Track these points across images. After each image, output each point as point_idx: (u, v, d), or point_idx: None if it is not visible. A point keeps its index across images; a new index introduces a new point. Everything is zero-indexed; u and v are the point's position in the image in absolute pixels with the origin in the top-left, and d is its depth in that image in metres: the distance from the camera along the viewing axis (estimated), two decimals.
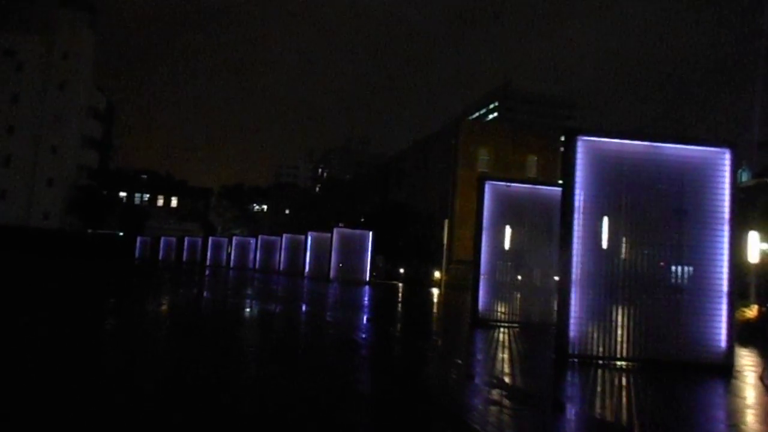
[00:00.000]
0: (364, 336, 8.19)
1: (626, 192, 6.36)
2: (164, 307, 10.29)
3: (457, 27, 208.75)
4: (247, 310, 10.75)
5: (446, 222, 24.22)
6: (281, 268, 33.06)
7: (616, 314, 6.32)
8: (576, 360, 6.12)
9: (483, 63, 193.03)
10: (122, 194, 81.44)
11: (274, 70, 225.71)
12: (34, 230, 46.72)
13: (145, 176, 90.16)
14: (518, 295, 10.47)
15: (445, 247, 23.76)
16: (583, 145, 6.29)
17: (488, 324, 9.83)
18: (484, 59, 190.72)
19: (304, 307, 12.34)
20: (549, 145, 35.62)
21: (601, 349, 6.23)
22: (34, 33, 54.74)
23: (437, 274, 29.75)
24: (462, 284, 25.73)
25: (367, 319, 10.97)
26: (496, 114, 75.33)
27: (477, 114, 76.72)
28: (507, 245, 10.50)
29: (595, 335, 6.24)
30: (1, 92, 52.26)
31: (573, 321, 6.15)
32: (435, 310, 14.57)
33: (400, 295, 21.61)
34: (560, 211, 6.51)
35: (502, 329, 9.61)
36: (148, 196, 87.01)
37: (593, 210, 6.31)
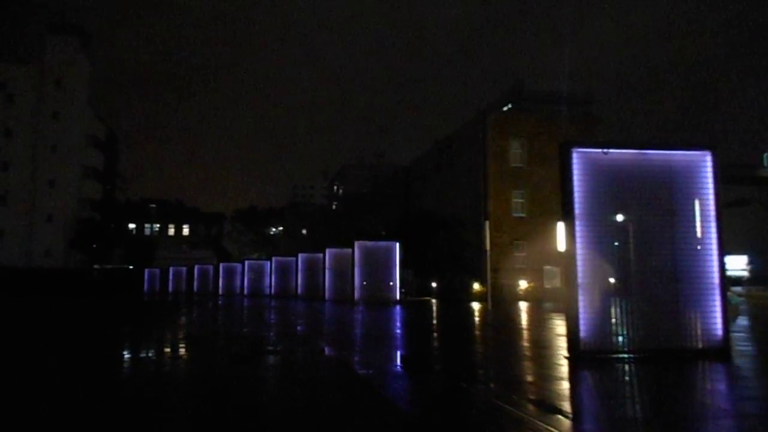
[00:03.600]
0: (420, 403, 5.15)
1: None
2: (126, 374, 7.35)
3: (466, 35, 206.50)
4: (241, 370, 7.77)
5: (487, 224, 21.01)
6: (299, 291, 30.23)
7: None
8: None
9: (496, 70, 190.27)
10: (131, 226, 79.82)
11: (283, 93, 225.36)
12: (35, 270, 44.61)
13: (154, 205, 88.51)
14: (633, 311, 7.28)
15: (488, 252, 20.56)
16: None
17: (597, 357, 6.75)
18: (497, 65, 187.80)
19: (326, 350, 9.29)
20: (588, 132, 32.30)
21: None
22: (24, 62, 53.22)
23: (476, 286, 26.55)
24: (507, 296, 22.50)
25: (415, 363, 7.90)
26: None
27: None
28: (612, 239, 7.32)
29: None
30: None
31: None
32: (501, 336, 11.40)
33: (441, 315, 18.43)
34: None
35: (619, 365, 6.58)
36: (158, 225, 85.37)
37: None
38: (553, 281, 26.06)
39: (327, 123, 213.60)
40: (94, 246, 52.53)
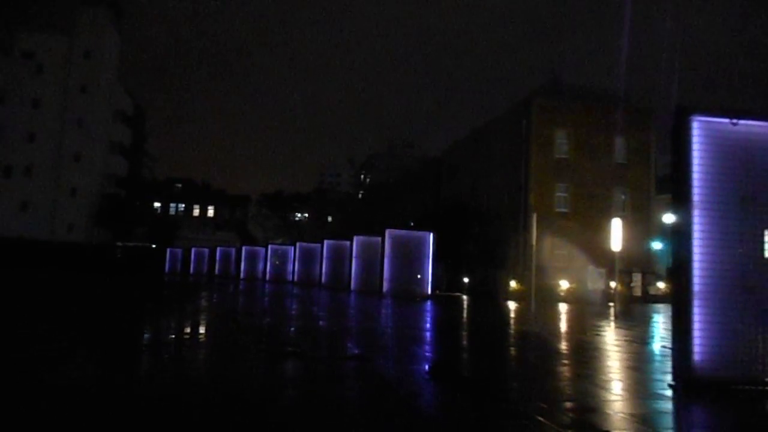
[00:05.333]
0: None
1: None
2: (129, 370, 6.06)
3: (500, 27, 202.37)
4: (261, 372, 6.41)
5: (534, 217, 19.31)
6: (323, 280, 28.98)
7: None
8: None
9: (530, 62, 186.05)
10: (157, 204, 79.87)
11: (313, 78, 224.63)
12: (58, 244, 44.35)
13: (180, 185, 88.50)
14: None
15: (534, 248, 18.90)
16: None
17: (717, 387, 5.16)
18: (530, 58, 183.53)
19: (355, 353, 7.87)
20: (641, 124, 30.15)
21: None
22: (54, 32, 52.83)
23: (513, 284, 24.87)
24: (546, 297, 20.82)
25: (465, 378, 6.44)
26: None
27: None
28: (743, 233, 5.67)
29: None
30: (21, 97, 50.38)
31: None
32: (560, 346, 9.82)
33: (480, 315, 16.90)
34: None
35: (751, 399, 4.98)
36: (183, 205, 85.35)
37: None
38: (598, 283, 24.25)
39: (357, 111, 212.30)
40: (118, 222, 52.19)
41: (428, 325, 12.50)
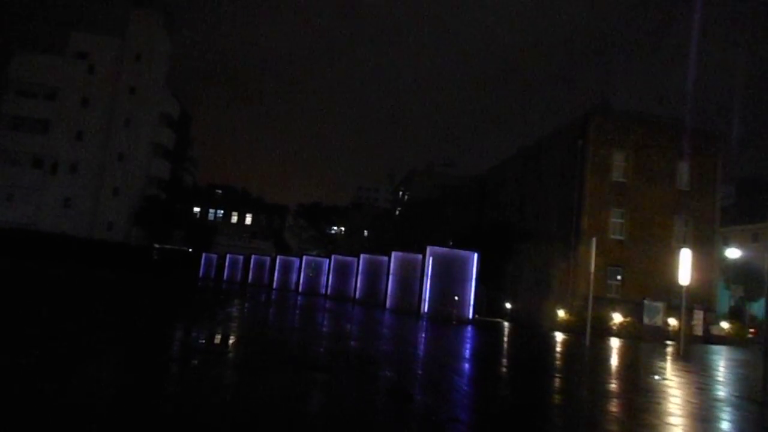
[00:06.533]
0: None
1: None
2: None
3: (548, 50, 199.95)
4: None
5: (593, 242, 17.77)
6: (357, 295, 27.98)
7: None
8: None
9: (579, 84, 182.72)
10: (196, 209, 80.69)
11: (358, 94, 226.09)
12: (99, 242, 44.80)
13: (220, 191, 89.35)
14: None
15: (592, 275, 17.40)
16: None
17: None
18: (580, 80, 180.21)
19: (394, 382, 6.77)
20: (706, 149, 28.19)
21: None
22: (107, 34, 53.93)
23: (561, 313, 23.20)
24: (596, 330, 19.25)
25: None
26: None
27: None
28: None
29: None
30: (72, 96, 51.44)
31: None
32: (647, 397, 8.44)
33: (533, 347, 15.50)
34: None
35: None
36: (222, 211, 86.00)
37: None
38: (655, 318, 22.38)
39: (398, 129, 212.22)
40: (156, 224, 52.45)
41: (477, 358, 11.24)
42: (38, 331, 7.33)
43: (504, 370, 9.48)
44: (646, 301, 22.93)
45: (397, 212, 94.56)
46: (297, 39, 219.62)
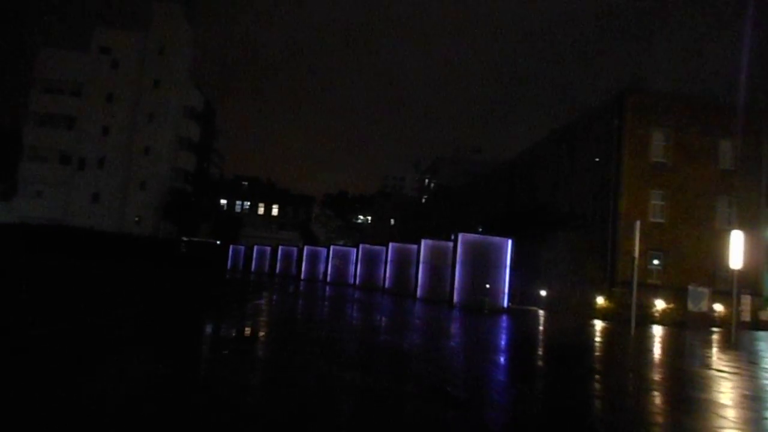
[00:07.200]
0: None
1: None
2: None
3: (575, 32, 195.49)
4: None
5: (638, 224, 16.89)
6: (387, 285, 27.47)
7: None
8: None
9: (607, 69, 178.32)
10: (222, 201, 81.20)
11: (382, 81, 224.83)
12: (127, 236, 45.18)
13: (246, 183, 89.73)
14: None
15: (636, 260, 16.55)
16: None
17: None
18: (608, 64, 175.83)
19: (437, 382, 6.21)
20: (751, 126, 26.79)
21: None
22: (129, 29, 54.10)
23: (600, 300, 22.34)
24: (637, 317, 18.39)
25: None
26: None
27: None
28: None
29: None
30: (97, 91, 51.81)
31: None
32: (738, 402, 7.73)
33: (578, 337, 14.79)
34: None
35: None
36: (248, 203, 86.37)
37: None
38: (700, 305, 21.36)
39: (424, 116, 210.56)
40: (183, 217, 52.77)
41: (522, 351, 10.61)
42: (102, 321, 6.96)
43: (553, 366, 8.85)
44: (690, 287, 21.91)
45: (424, 200, 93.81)
46: (321, 27, 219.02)
